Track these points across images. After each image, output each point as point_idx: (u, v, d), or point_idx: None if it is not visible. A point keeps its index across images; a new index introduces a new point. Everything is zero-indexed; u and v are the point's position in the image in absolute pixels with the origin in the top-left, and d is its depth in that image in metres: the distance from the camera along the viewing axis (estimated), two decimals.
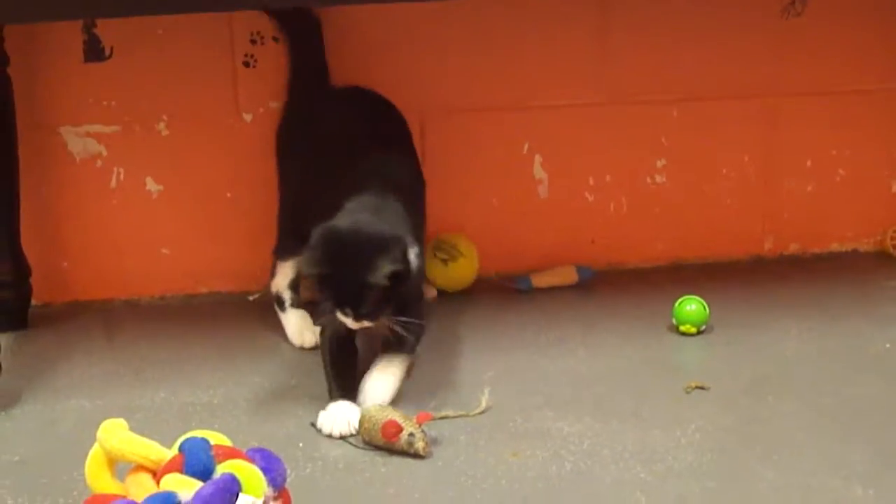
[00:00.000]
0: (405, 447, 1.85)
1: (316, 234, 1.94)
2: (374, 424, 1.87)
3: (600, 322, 2.37)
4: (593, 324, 2.37)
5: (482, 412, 1.96)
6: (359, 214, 2.00)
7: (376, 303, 1.93)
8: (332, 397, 1.98)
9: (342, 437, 1.91)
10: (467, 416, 1.93)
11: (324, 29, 2.42)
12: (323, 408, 1.97)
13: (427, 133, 2.58)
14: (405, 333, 1.99)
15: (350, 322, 1.95)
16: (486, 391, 1.98)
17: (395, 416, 1.86)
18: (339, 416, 1.94)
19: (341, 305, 1.94)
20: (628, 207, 2.66)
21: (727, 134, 2.66)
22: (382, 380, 2.01)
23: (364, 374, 2.02)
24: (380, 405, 1.92)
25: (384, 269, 1.91)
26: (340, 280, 1.93)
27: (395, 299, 1.95)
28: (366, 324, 1.95)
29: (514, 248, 2.62)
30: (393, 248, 1.93)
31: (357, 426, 1.91)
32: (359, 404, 1.97)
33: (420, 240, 2.10)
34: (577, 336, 2.31)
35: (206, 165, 2.52)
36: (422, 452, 1.85)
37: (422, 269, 2.09)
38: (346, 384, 2.00)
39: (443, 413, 1.91)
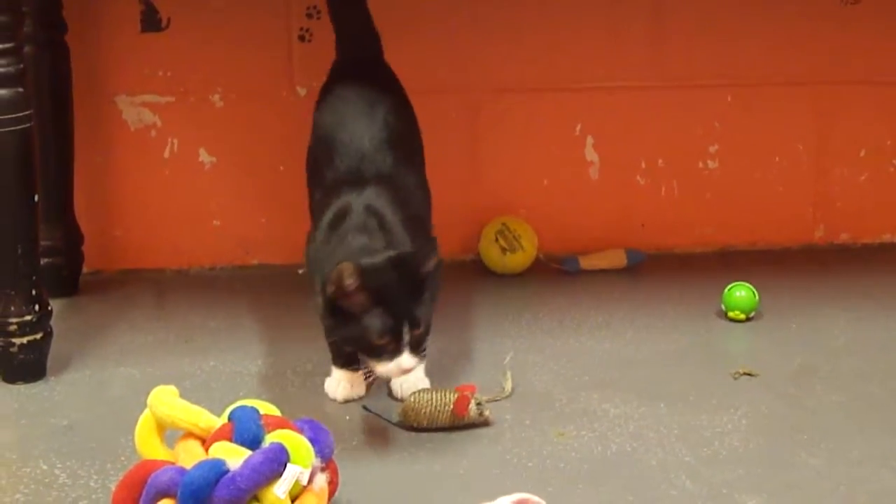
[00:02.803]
0: (475, 418, 1.86)
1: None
2: (435, 407, 1.86)
3: (648, 306, 2.37)
4: (641, 307, 2.36)
5: (508, 396, 1.97)
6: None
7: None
8: (335, 363, 1.98)
9: (346, 401, 1.95)
10: (495, 399, 1.94)
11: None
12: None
13: (480, 113, 2.58)
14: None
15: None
16: (509, 374, 2.00)
17: (447, 393, 1.87)
18: (342, 382, 1.96)
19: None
20: (679, 192, 2.65)
21: (781, 121, 2.65)
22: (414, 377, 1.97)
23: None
24: (419, 390, 1.91)
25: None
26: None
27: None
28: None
29: (563, 230, 2.61)
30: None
31: (362, 392, 1.97)
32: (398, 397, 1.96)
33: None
34: (625, 319, 2.30)
35: (259, 138, 2.54)
36: (490, 420, 1.88)
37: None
38: (347, 350, 1.96)
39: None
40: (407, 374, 1.87)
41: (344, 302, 1.76)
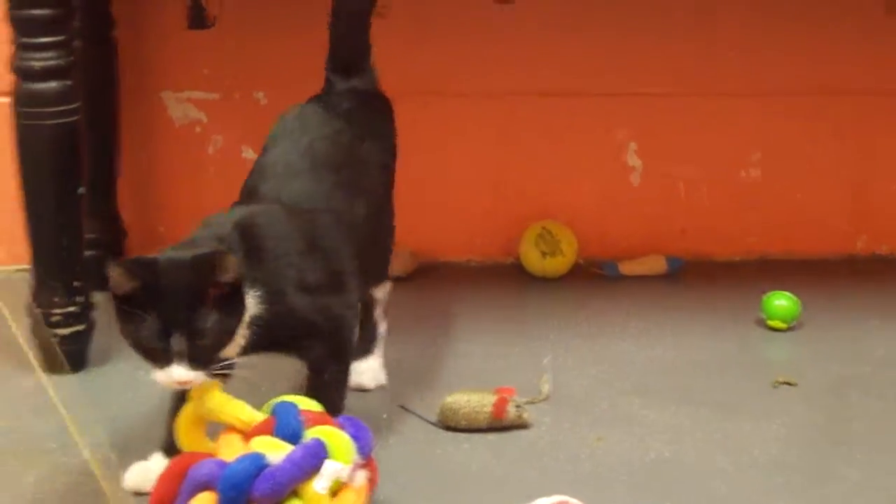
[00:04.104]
0: (513, 420, 1.87)
1: None
2: (473, 408, 1.87)
3: (688, 312, 2.36)
4: (681, 314, 2.36)
5: (546, 399, 1.97)
6: None
7: None
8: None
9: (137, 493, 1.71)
10: (534, 402, 1.94)
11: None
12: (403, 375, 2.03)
13: (521, 116, 2.58)
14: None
15: None
16: (547, 377, 2.00)
17: (486, 394, 1.87)
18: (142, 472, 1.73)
19: None
20: (721, 199, 2.64)
21: (823, 130, 2.63)
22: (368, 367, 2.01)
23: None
24: (458, 392, 1.91)
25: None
26: None
27: None
28: None
29: (603, 234, 2.61)
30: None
31: None
32: (361, 386, 1.98)
33: None
34: (665, 325, 2.30)
35: None
36: (528, 422, 1.87)
37: None
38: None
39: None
40: (367, 366, 1.97)
41: (125, 301, 1.57)
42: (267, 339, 1.65)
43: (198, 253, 1.58)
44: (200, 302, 1.55)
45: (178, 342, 1.54)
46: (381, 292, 2.04)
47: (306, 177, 1.81)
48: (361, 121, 1.93)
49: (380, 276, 2.02)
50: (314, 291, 1.71)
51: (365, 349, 2.02)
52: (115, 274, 1.55)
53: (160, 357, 1.55)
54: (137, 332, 1.56)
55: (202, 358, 1.56)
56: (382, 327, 2.05)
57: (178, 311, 1.54)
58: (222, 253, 1.58)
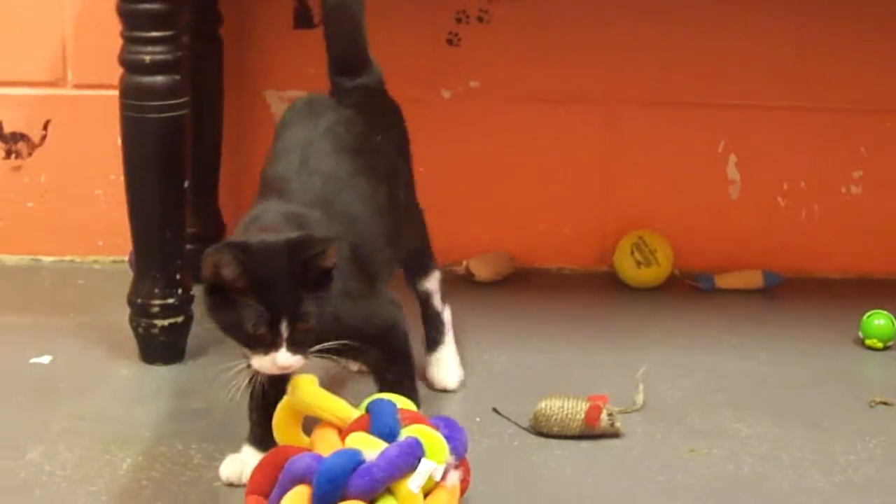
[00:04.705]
0: (606, 428, 1.86)
1: None
2: (566, 414, 1.86)
3: (784, 328, 2.34)
4: (777, 329, 2.33)
5: (639, 409, 1.96)
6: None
7: None
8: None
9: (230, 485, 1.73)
10: (627, 411, 1.93)
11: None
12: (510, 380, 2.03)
13: (620, 124, 2.57)
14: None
15: None
16: (641, 387, 1.98)
17: (580, 401, 1.87)
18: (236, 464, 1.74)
19: None
20: (821, 216, 2.61)
21: None
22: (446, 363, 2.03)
23: None
24: (551, 398, 1.90)
25: None
26: None
27: None
28: None
29: (700, 246, 2.59)
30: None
31: None
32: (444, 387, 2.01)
33: None
34: (760, 340, 2.28)
35: None
36: (621, 431, 1.86)
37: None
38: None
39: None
40: (441, 357, 2.01)
41: (222, 288, 1.56)
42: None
43: (304, 237, 1.58)
44: (304, 287, 1.56)
45: (284, 327, 1.54)
46: (433, 283, 2.04)
47: (331, 162, 1.78)
48: (372, 112, 1.92)
49: (424, 267, 2.03)
50: (357, 297, 1.70)
51: (435, 340, 2.03)
52: (218, 260, 1.54)
53: (265, 343, 1.55)
54: (240, 319, 1.55)
55: (304, 342, 1.56)
56: (447, 315, 2.05)
57: (284, 296, 1.54)
58: (329, 239, 1.58)
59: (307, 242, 1.57)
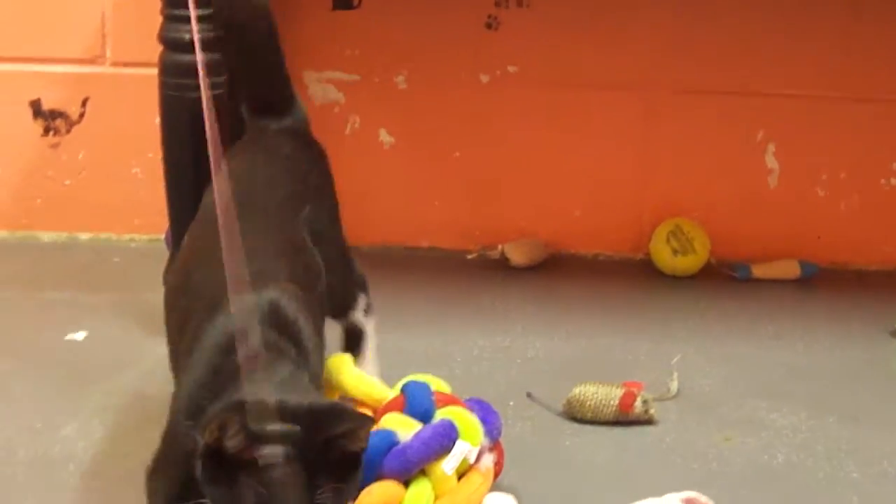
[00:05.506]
0: (640, 415, 1.86)
1: None
2: (600, 400, 1.86)
3: (820, 319, 2.32)
4: (813, 320, 2.32)
5: (674, 396, 1.95)
6: None
7: None
8: None
9: None
10: (661, 399, 1.92)
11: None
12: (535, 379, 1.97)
13: (657, 112, 2.56)
14: None
15: None
16: (675, 375, 1.97)
17: (613, 387, 1.86)
18: None
19: None
20: (859, 207, 2.59)
21: None
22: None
23: None
24: (585, 384, 1.89)
25: None
26: None
27: None
28: None
29: (737, 235, 2.58)
30: None
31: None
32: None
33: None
34: (796, 330, 2.26)
35: (439, 122, 2.55)
36: (655, 418, 1.86)
37: None
38: None
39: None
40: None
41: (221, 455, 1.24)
42: None
43: (333, 409, 1.29)
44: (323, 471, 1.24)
45: None
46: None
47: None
48: (305, 174, 1.69)
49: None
50: None
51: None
52: (225, 423, 1.21)
53: None
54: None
55: None
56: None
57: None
58: (364, 417, 1.31)
59: (337, 415, 1.26)
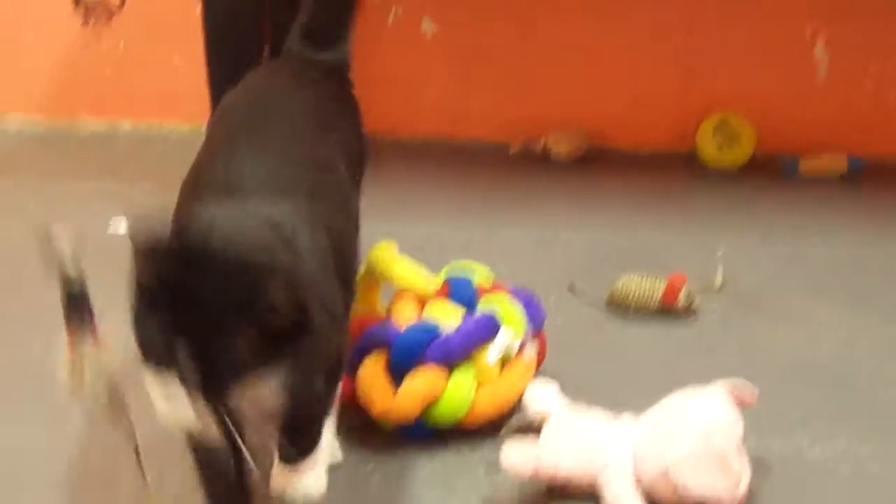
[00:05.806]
0: (684, 307, 1.85)
1: None
2: (644, 292, 1.85)
3: (867, 214, 2.30)
4: (859, 216, 2.29)
5: (718, 290, 1.94)
6: None
7: None
8: None
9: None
10: (704, 291, 1.91)
11: None
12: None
13: (704, 6, 2.51)
14: None
15: None
16: (720, 269, 1.96)
17: (658, 279, 1.85)
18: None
19: None
20: None
21: None
22: None
23: None
24: (629, 275, 1.88)
25: None
26: None
27: None
28: None
29: (785, 129, 2.54)
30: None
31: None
32: None
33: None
34: (842, 226, 2.24)
35: (484, 13, 2.51)
36: (698, 311, 1.85)
37: None
38: None
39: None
40: None
41: None
42: None
43: None
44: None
45: None
46: None
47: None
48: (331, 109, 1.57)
49: None
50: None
51: None
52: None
53: None
54: None
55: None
56: None
57: None
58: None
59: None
